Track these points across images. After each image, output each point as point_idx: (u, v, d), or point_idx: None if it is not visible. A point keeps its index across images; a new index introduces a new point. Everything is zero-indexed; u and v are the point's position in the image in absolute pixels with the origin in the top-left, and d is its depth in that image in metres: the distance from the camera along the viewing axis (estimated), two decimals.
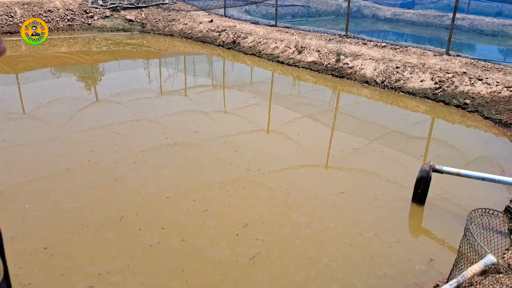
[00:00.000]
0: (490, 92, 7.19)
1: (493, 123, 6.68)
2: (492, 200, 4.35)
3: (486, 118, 6.85)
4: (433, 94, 7.73)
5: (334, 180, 4.72)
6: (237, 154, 5.09)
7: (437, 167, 4.15)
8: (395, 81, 8.33)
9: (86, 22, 13.32)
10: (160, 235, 3.51)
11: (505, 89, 7.08)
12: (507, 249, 3.43)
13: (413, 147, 5.78)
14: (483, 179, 3.88)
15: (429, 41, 12.66)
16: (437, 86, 7.78)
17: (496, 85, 7.23)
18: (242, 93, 8.30)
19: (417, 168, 4.26)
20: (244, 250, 3.38)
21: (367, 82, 8.71)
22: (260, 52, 10.83)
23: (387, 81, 8.44)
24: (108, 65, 10.49)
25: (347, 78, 9.04)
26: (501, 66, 7.86)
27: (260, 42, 11.09)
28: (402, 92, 8.15)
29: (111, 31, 13.40)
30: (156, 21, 13.68)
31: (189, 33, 12.75)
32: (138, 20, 13.74)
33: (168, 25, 13.45)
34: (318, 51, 9.95)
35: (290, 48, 10.44)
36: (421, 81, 8.06)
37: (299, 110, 7.25)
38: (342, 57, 9.44)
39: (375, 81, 8.60)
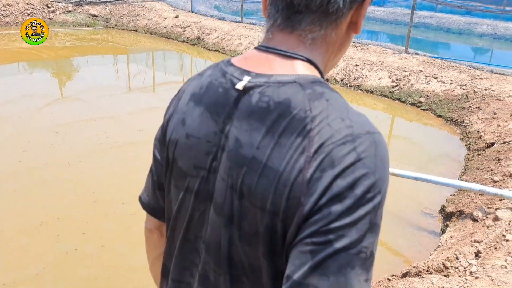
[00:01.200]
0: (444, 90, 7.22)
1: (445, 121, 6.70)
2: (429, 199, 4.33)
3: (439, 116, 6.87)
4: (390, 92, 7.73)
5: None
6: None
7: None
8: (354, 79, 8.30)
9: (48, 17, 12.94)
10: (79, 241, 3.35)
11: (459, 87, 7.11)
12: (435, 250, 3.39)
13: None
14: (416, 179, 3.84)
15: (399, 39, 12.72)
16: (394, 84, 7.79)
17: (450, 83, 7.26)
18: None
19: None
20: None
21: (327, 80, 8.63)
22: (224, 48, 10.69)
23: (346, 79, 8.40)
24: (74, 61, 10.24)
25: None
26: (457, 64, 7.91)
27: (224, 39, 10.95)
28: (361, 90, 8.13)
29: (73, 26, 13.05)
30: (121, 16, 13.38)
31: (154, 29, 12.52)
32: (102, 15, 13.42)
33: (132, 20, 13.18)
34: None
35: (254, 44, 10.32)
36: (379, 79, 8.05)
37: None
38: None
39: (335, 79, 8.56)
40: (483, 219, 3.39)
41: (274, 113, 0.66)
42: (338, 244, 0.59)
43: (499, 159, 4.51)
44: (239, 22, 11.95)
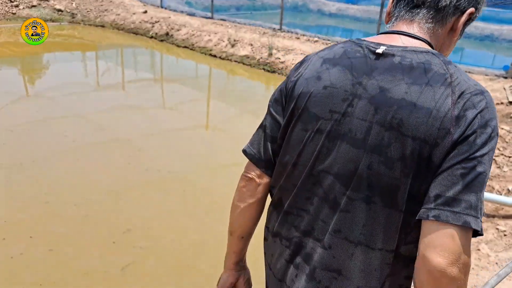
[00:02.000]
0: None
1: None
2: None
3: None
4: None
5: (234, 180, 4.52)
6: (144, 155, 4.80)
7: None
8: None
9: (11, 11, 12.46)
10: (25, 245, 3.17)
11: None
12: None
13: None
14: None
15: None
16: None
17: None
18: (185, 88, 8.10)
19: None
20: (117, 259, 3.11)
21: None
22: (193, 45, 10.51)
23: None
24: (41, 57, 9.87)
25: (279, 73, 8.91)
26: None
27: (193, 35, 10.76)
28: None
29: None
30: (88, 11, 13.00)
31: (122, 24, 12.21)
32: (68, 10, 13.01)
33: (100, 15, 12.82)
34: (251, 45, 9.76)
35: (224, 41, 10.18)
36: None
37: (239, 105, 7.12)
38: (274, 51, 9.30)
39: None
40: None
41: (418, 69, 0.88)
42: (480, 169, 0.80)
43: None
44: (210, 18, 11.78)
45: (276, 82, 8.54)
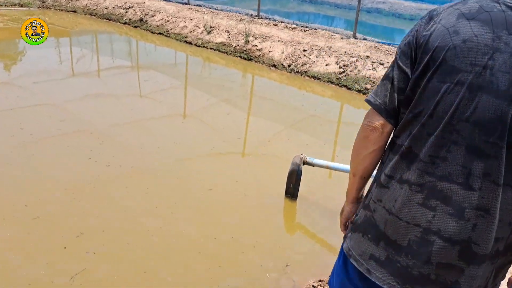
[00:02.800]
0: None
1: None
2: None
3: None
4: (337, 78, 7.51)
5: (208, 172, 4.27)
6: (108, 148, 4.49)
7: (308, 159, 3.82)
8: (302, 65, 8.02)
9: None
10: None
11: None
12: None
13: (323, 132, 5.53)
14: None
15: (352, 24, 12.56)
16: (341, 70, 7.57)
17: None
18: (161, 76, 7.76)
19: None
20: (67, 267, 2.83)
21: (274, 65, 8.33)
22: (168, 31, 10.11)
23: (293, 64, 8.11)
24: (10, 43, 9.36)
25: (256, 61, 8.62)
26: None
27: (168, 21, 10.36)
28: (308, 76, 7.87)
29: (5, 6, 12.02)
30: None
31: (94, 10, 11.71)
32: None
33: (71, 0, 12.27)
34: (228, 32, 9.43)
35: (199, 27, 9.82)
36: (326, 65, 7.81)
37: (216, 93, 6.86)
38: (251, 38, 8.99)
39: (282, 64, 8.25)
40: None
41: None
42: None
43: None
44: (186, 4, 11.38)
45: (253, 70, 8.27)
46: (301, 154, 3.84)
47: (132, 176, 4.02)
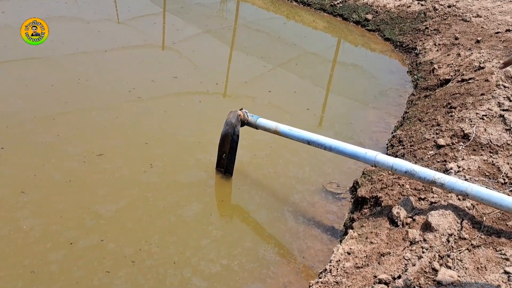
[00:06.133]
0: (398, 5, 5.53)
1: (394, 47, 5.11)
2: (341, 168, 2.86)
3: (387, 39, 5.26)
4: (331, 6, 5.97)
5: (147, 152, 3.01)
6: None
7: (250, 118, 2.52)
8: None
9: None
10: None
11: (416, 2, 5.44)
12: (319, 275, 1.96)
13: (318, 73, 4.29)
14: (308, 142, 2.30)
15: None
16: None
17: None
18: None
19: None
20: None
21: None
22: None
23: None
24: None
25: None
26: None
27: None
28: (296, 2, 6.32)
29: None
30: None
31: None
32: None
33: None
34: None
35: None
36: None
37: (197, 23, 5.55)
38: None
39: None
40: (406, 224, 1.94)
41: None
42: None
43: (451, 107, 3.02)
44: None
45: None
46: (241, 109, 2.53)
47: (60, 132, 2.77)
